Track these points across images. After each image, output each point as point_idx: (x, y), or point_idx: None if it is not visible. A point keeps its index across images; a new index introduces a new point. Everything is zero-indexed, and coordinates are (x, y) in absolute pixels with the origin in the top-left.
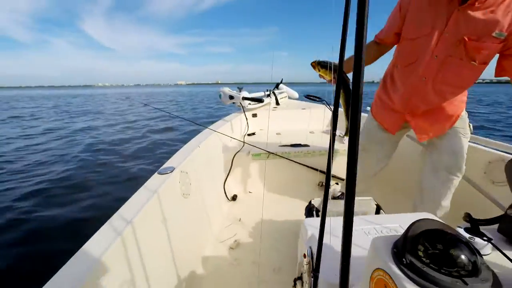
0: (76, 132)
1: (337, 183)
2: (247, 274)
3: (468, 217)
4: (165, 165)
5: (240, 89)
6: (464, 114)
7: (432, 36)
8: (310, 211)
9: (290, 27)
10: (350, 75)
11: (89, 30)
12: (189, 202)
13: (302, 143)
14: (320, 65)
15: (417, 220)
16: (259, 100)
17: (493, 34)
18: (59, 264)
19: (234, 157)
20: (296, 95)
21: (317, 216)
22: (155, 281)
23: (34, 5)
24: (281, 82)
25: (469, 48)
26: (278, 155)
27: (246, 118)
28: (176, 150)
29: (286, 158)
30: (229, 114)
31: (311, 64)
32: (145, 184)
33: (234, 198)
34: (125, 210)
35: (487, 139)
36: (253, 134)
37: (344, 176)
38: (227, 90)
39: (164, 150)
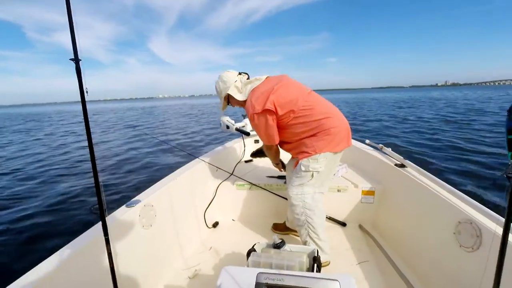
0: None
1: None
2: None
3: None
4: (136, 198)
5: (244, 116)
6: (305, 162)
7: None
8: (248, 255)
9: (340, 32)
10: None
11: (153, 48)
12: (150, 233)
13: None
14: (255, 155)
15: None
16: (247, 133)
17: None
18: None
19: (218, 186)
20: None
21: (248, 265)
22: None
23: (114, 31)
24: None
25: None
26: (260, 187)
27: (244, 145)
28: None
29: (268, 190)
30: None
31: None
32: (111, 215)
33: (215, 225)
34: (75, 243)
35: (461, 194)
36: (251, 161)
37: (338, 217)
38: (225, 119)
39: (150, 177)
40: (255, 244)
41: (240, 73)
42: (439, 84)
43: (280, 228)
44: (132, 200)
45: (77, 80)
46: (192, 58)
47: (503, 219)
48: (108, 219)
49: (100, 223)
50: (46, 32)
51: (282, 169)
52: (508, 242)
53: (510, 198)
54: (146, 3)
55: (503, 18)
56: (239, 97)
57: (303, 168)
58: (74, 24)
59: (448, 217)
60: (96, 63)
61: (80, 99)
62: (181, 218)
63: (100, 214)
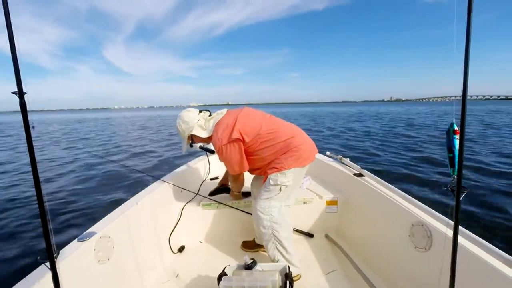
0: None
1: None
2: None
3: None
4: (89, 230)
5: (202, 149)
6: (273, 176)
7: None
8: (218, 280)
9: (302, 48)
10: None
11: (110, 56)
12: (107, 267)
13: None
14: (214, 193)
15: None
16: (211, 151)
17: None
18: None
19: (183, 208)
20: None
21: None
22: None
23: (62, 36)
24: None
25: None
26: (228, 205)
27: (209, 163)
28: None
29: (236, 208)
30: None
31: (210, 195)
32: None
33: (181, 249)
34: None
35: (413, 199)
36: (216, 178)
37: (305, 228)
38: None
39: (103, 205)
40: (225, 267)
41: (201, 111)
42: (385, 100)
43: (250, 245)
44: (84, 233)
45: (21, 116)
46: (152, 68)
47: (449, 220)
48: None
49: (44, 269)
50: None
51: (242, 197)
52: (451, 239)
53: (456, 208)
54: (101, 9)
55: (437, 43)
56: (203, 134)
57: (271, 182)
58: (18, 55)
59: (403, 220)
60: (39, 69)
61: (24, 134)
62: (144, 246)
63: (50, 264)
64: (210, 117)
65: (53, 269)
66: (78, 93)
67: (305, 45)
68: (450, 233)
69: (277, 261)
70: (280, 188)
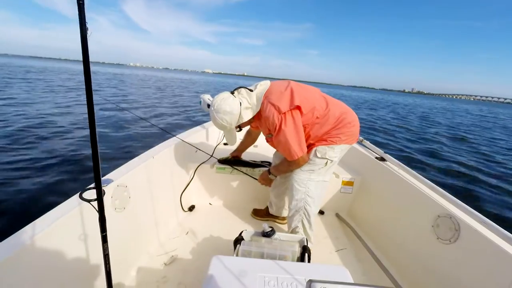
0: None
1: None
2: None
3: None
4: (106, 176)
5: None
6: (321, 149)
7: None
8: (235, 244)
9: (325, 25)
10: None
11: (129, 10)
12: (123, 216)
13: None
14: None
15: None
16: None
17: (267, 136)
18: None
19: (197, 168)
20: None
21: (237, 255)
22: None
23: None
24: None
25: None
26: (242, 172)
27: None
28: (132, 158)
29: (249, 175)
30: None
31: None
32: (71, 198)
33: (191, 209)
34: (39, 222)
35: (442, 190)
36: None
37: None
38: (206, 97)
39: (122, 155)
40: (242, 232)
41: (232, 92)
42: (406, 90)
43: (261, 214)
44: (101, 179)
45: (77, 12)
46: (170, 28)
47: (480, 215)
48: (70, 200)
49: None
50: None
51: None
52: (484, 236)
53: None
54: None
55: (467, 38)
56: (250, 114)
57: (318, 155)
58: None
59: (427, 210)
60: (58, 16)
61: (80, 41)
62: (157, 201)
63: (98, 208)
64: (252, 92)
65: (101, 210)
66: (96, 45)
67: (329, 22)
68: (482, 229)
69: (296, 233)
70: (326, 162)
